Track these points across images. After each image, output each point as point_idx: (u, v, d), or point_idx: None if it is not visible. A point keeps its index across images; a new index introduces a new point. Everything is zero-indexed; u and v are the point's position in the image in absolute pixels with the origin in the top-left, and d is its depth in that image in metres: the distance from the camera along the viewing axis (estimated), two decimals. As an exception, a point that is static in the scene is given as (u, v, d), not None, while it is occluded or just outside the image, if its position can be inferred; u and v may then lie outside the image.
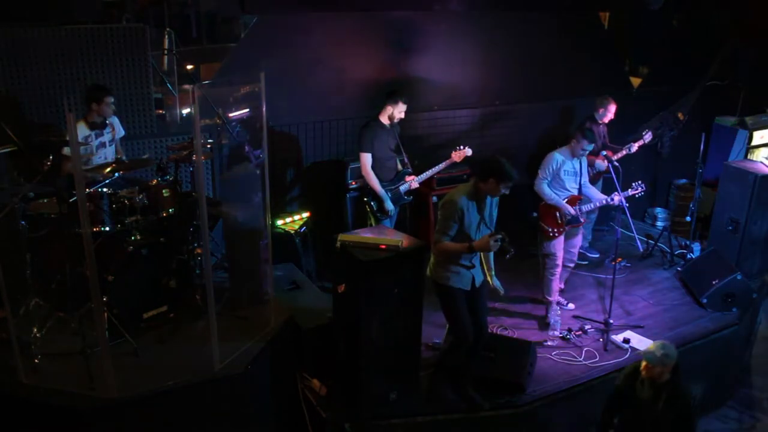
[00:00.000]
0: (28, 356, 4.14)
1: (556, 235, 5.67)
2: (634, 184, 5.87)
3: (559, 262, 5.73)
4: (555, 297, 5.82)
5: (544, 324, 5.74)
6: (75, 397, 3.93)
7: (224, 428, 4.32)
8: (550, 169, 5.67)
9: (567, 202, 5.68)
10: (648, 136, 6.72)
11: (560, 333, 5.52)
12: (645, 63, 9.57)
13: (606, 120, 6.76)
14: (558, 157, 5.68)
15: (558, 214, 5.66)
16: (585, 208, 5.77)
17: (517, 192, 5.80)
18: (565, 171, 5.70)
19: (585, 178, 5.86)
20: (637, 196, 5.92)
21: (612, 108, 6.71)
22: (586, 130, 5.68)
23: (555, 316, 5.77)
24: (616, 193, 5.80)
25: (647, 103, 8.57)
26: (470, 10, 7.15)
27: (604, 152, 6.27)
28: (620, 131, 7.23)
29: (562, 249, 5.73)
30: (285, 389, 4.79)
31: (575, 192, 5.75)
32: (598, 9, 8.55)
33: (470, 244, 4.33)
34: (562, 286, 6.08)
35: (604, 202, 5.86)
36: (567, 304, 6.05)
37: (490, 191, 4.40)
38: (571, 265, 6.03)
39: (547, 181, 5.69)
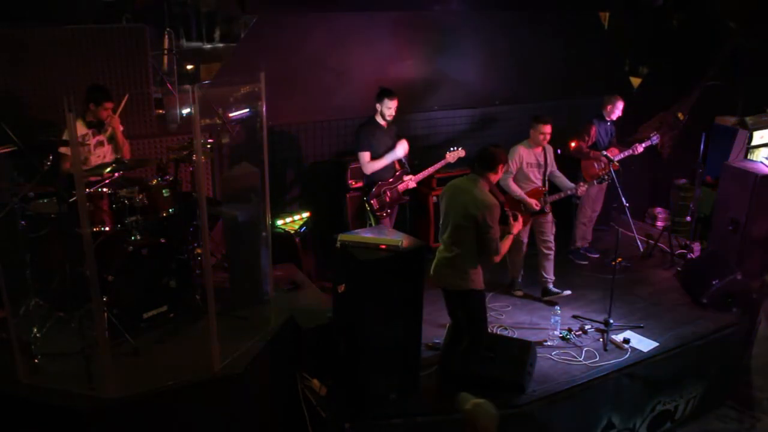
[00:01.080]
0: (28, 356, 4.14)
1: (538, 209, 6.03)
2: (606, 176, 6.33)
3: (524, 247, 6.14)
4: (517, 273, 6.25)
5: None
6: (75, 397, 3.93)
7: (224, 428, 4.32)
8: (514, 163, 5.94)
9: (530, 194, 5.95)
10: (656, 138, 6.73)
11: (560, 333, 5.52)
12: (645, 63, 9.57)
13: (614, 117, 6.80)
14: (519, 150, 5.98)
15: (522, 206, 5.94)
16: (550, 198, 6.06)
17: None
18: (527, 163, 5.98)
19: (551, 168, 6.13)
20: (606, 182, 6.37)
21: (619, 105, 6.75)
22: (539, 115, 5.96)
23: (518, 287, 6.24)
24: (581, 182, 6.24)
25: (647, 103, 8.56)
26: (470, 10, 7.15)
27: (605, 152, 6.35)
28: (620, 131, 7.23)
29: (526, 236, 6.11)
30: (285, 389, 4.79)
31: (539, 183, 6.03)
32: (598, 9, 8.56)
33: (511, 233, 4.66)
34: (553, 277, 6.23)
35: (570, 191, 6.17)
36: (563, 291, 6.22)
37: (496, 179, 4.65)
38: (550, 252, 6.15)
39: (511, 175, 5.93)
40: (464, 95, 7.47)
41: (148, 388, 4.02)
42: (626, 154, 6.64)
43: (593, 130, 6.74)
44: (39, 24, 5.42)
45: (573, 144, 6.64)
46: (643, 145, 6.71)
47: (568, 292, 6.18)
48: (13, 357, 4.05)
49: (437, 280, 4.70)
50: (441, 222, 4.71)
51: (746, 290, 6.07)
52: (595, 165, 6.70)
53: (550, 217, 6.11)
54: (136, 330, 4.47)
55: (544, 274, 6.15)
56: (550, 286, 6.17)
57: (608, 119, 6.81)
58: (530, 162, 5.97)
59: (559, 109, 7.86)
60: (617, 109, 6.76)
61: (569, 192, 6.17)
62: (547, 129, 5.89)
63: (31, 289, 4.50)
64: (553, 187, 6.23)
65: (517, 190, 5.92)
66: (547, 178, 6.10)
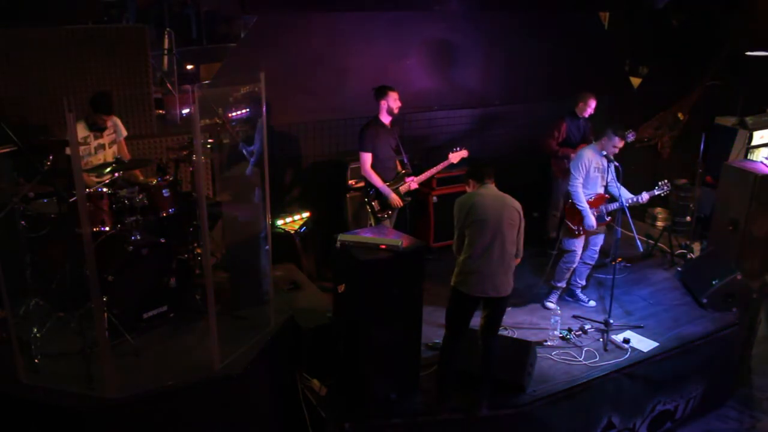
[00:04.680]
0: (28, 356, 4.14)
1: (581, 233, 5.77)
2: (660, 183, 5.90)
3: (578, 258, 5.87)
4: (563, 284, 5.97)
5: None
6: (75, 397, 3.93)
7: (224, 428, 4.32)
8: (583, 167, 5.66)
9: (594, 201, 5.74)
10: (630, 137, 6.68)
11: (560, 333, 5.51)
12: (645, 63, 9.57)
13: (586, 114, 6.76)
14: (588, 153, 5.69)
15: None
16: (611, 207, 5.78)
17: (522, 192, 5.83)
18: (595, 168, 5.70)
19: (611, 176, 5.78)
20: (662, 194, 5.97)
21: (592, 103, 6.71)
22: (617, 128, 5.61)
23: (554, 300, 5.97)
24: (645, 192, 5.80)
25: (647, 103, 8.56)
26: (470, 10, 7.15)
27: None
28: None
29: (581, 246, 5.85)
30: (285, 389, 4.79)
31: (602, 190, 5.79)
32: (598, 9, 8.55)
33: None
34: (584, 283, 6.16)
35: (632, 201, 5.80)
36: (588, 301, 6.10)
37: None
38: (592, 262, 6.07)
39: (581, 180, 5.68)
40: (464, 95, 7.47)
41: (148, 388, 4.02)
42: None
43: (564, 127, 6.72)
44: (38, 24, 5.42)
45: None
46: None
47: (593, 303, 6.08)
48: (13, 357, 4.05)
49: (491, 290, 4.40)
50: (480, 234, 4.36)
51: (746, 290, 6.07)
52: (566, 162, 6.67)
53: (604, 228, 5.92)
54: (136, 330, 4.47)
55: (578, 279, 6.10)
56: (578, 290, 6.14)
57: (580, 116, 6.79)
58: (597, 167, 5.68)
59: (559, 109, 7.88)
60: (589, 107, 6.71)
61: (632, 201, 5.77)
62: (621, 144, 5.63)
63: (31, 289, 4.50)
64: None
65: (584, 201, 5.63)
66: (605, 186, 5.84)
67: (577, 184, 5.67)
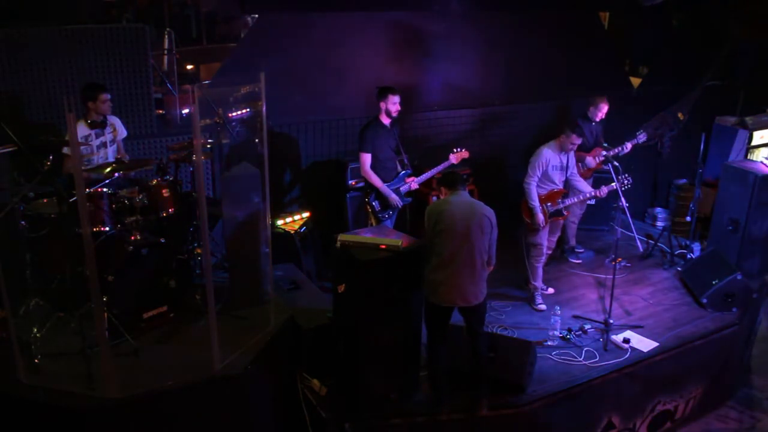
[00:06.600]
0: (28, 356, 4.14)
1: (538, 227, 5.90)
2: (620, 177, 6.07)
3: (544, 251, 6.01)
4: (540, 283, 6.06)
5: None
6: (75, 397, 3.93)
7: (224, 428, 4.32)
8: (540, 167, 5.82)
9: (550, 195, 5.88)
10: (642, 137, 6.74)
11: (560, 333, 5.51)
12: (645, 63, 9.57)
13: (598, 118, 6.80)
14: (546, 153, 5.84)
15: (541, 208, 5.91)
16: (568, 201, 5.99)
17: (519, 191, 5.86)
18: (552, 166, 5.88)
19: (572, 170, 6.03)
20: (623, 189, 6.10)
21: (603, 107, 6.76)
22: (576, 125, 5.85)
23: (540, 301, 6.03)
24: (603, 186, 6.04)
25: (647, 103, 8.56)
26: (470, 10, 7.16)
27: (588, 160, 6.52)
28: (621, 131, 7.23)
29: (546, 239, 6.00)
30: (285, 389, 4.79)
31: (561, 186, 5.96)
32: (598, 9, 8.56)
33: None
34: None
35: (591, 194, 6.07)
36: (547, 288, 6.26)
37: None
38: (549, 251, 6.27)
39: (536, 179, 5.84)
40: (464, 95, 7.47)
41: (148, 388, 4.02)
42: (613, 152, 6.62)
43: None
44: (39, 24, 5.42)
45: None
46: (631, 143, 6.73)
47: (551, 290, 6.29)
48: (13, 357, 4.04)
49: (458, 300, 4.37)
50: (448, 243, 4.32)
51: (746, 290, 6.08)
52: (579, 165, 6.68)
53: (561, 221, 6.12)
54: (136, 330, 4.47)
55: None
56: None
57: (593, 120, 6.81)
58: (555, 165, 5.86)
59: (558, 109, 7.88)
60: (601, 111, 6.76)
61: (588, 195, 6.03)
62: (578, 141, 5.86)
63: (31, 289, 4.50)
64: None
65: (536, 199, 5.78)
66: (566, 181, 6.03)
67: (531, 182, 5.83)
